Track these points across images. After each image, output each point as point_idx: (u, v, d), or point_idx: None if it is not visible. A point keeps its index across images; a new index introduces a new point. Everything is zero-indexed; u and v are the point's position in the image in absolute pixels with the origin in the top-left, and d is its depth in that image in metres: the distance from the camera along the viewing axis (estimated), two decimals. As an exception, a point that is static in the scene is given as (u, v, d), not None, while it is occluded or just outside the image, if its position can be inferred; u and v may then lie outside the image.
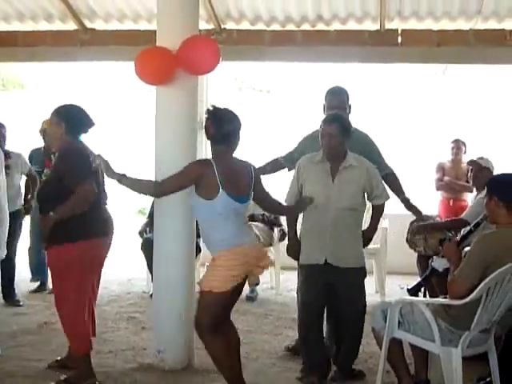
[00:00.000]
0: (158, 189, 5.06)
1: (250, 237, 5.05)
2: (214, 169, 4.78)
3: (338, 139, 5.54)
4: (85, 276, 5.39)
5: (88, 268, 5.39)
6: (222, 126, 4.89)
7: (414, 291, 5.65)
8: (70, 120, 5.50)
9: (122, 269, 10.82)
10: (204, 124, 4.95)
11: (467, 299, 4.53)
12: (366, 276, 5.86)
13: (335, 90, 6.39)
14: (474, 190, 7.54)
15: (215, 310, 4.84)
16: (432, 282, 5.99)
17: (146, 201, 12.83)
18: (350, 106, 6.34)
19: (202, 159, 5.02)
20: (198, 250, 8.25)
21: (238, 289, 4.96)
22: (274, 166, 6.50)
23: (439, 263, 5.33)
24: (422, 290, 6.03)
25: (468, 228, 5.74)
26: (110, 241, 5.58)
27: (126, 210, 17.12)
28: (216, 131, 4.88)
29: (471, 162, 7.50)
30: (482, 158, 7.37)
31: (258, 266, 5.00)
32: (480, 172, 7.21)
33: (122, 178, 4.96)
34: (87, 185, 5.23)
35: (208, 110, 4.98)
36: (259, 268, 5.03)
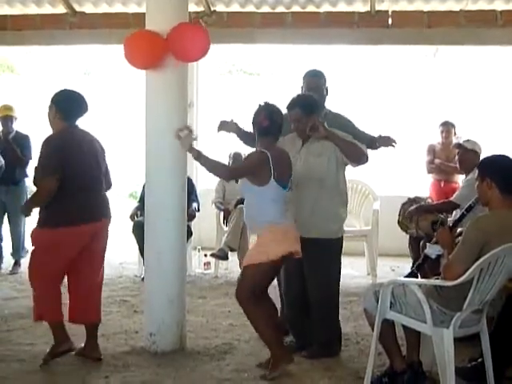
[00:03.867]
0: (229, 173, 5.70)
1: (290, 220, 5.43)
2: (270, 160, 5.20)
3: (303, 121, 5.74)
4: (51, 260, 5.53)
5: (53, 254, 5.51)
6: (276, 120, 5.36)
7: None
8: (61, 104, 5.63)
9: (114, 252, 10.79)
10: (255, 118, 5.40)
11: (459, 280, 4.52)
12: (336, 249, 5.93)
13: (313, 72, 6.55)
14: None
15: (253, 281, 5.29)
16: (425, 267, 5.99)
17: (137, 184, 12.82)
18: (326, 89, 6.48)
19: (261, 151, 5.31)
20: (190, 233, 8.25)
21: (276, 267, 5.40)
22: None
23: (432, 250, 5.32)
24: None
25: (461, 211, 5.74)
26: (85, 228, 5.58)
27: (117, 194, 17.09)
28: (271, 124, 5.33)
29: (457, 146, 7.51)
30: (467, 141, 7.37)
31: (295, 247, 5.35)
32: (466, 155, 7.21)
33: (200, 155, 5.41)
34: (47, 181, 5.43)
35: (261, 105, 5.41)
36: (296, 249, 5.36)
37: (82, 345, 5.78)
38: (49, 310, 5.63)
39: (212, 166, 5.41)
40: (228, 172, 5.73)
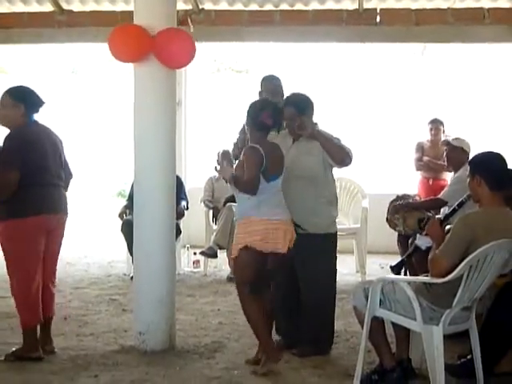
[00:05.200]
0: (251, 189, 5.30)
1: (279, 212, 5.37)
2: (263, 155, 5.25)
3: (296, 119, 5.77)
4: (20, 252, 5.56)
5: (22, 245, 5.55)
6: (279, 121, 5.49)
7: (397, 268, 5.66)
8: (28, 101, 5.66)
9: (103, 251, 10.81)
10: (257, 113, 5.37)
11: (449, 277, 4.54)
12: (327, 244, 5.90)
13: (270, 76, 6.89)
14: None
15: (239, 272, 5.41)
16: (412, 260, 6.00)
17: (125, 183, 12.81)
18: (283, 93, 6.66)
19: (253, 146, 5.34)
20: (179, 231, 8.25)
21: (255, 257, 5.32)
22: None
23: (423, 241, 5.36)
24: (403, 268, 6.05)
25: (452, 207, 5.76)
26: (45, 219, 5.63)
27: (105, 193, 17.09)
28: (274, 124, 5.40)
29: (445, 143, 7.52)
30: (456, 139, 7.38)
31: (285, 240, 5.34)
32: (453, 152, 7.22)
33: (235, 179, 5.40)
34: (10, 173, 5.43)
35: (267, 104, 5.47)
36: (286, 242, 5.36)
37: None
38: (24, 314, 5.64)
39: (241, 185, 5.36)
40: (250, 189, 5.32)
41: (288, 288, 5.89)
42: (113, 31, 5.85)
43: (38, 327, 5.73)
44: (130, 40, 5.79)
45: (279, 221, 5.34)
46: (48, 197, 5.64)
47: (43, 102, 5.75)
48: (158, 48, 5.73)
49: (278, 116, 5.44)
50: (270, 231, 5.28)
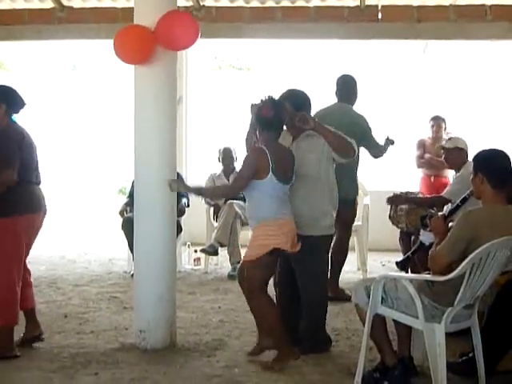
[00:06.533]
0: (234, 187, 5.74)
1: (288, 212, 5.45)
2: (268, 155, 5.27)
3: (293, 116, 5.69)
4: (6, 252, 5.54)
5: (9, 244, 5.53)
6: (280, 113, 5.45)
7: (402, 264, 5.63)
8: (10, 101, 5.64)
9: (103, 249, 10.78)
10: (259, 111, 5.45)
11: (451, 275, 4.52)
12: (325, 245, 5.95)
13: (347, 75, 7.61)
14: (454, 169, 7.55)
15: (259, 273, 5.41)
16: (415, 257, 5.98)
17: (126, 180, 12.80)
18: (355, 93, 7.57)
19: (258, 148, 5.42)
20: (180, 229, 8.22)
21: (273, 260, 5.46)
22: None
23: (427, 237, 5.34)
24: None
25: (455, 203, 5.75)
26: (35, 218, 5.67)
27: (106, 190, 17.07)
28: (275, 116, 5.40)
29: (441, 148, 7.51)
30: (449, 140, 7.38)
31: (291, 241, 5.41)
32: (450, 154, 7.21)
33: (201, 191, 5.79)
34: (9, 173, 5.42)
35: (266, 99, 5.46)
36: (292, 243, 5.42)
37: (22, 335, 5.84)
38: (6, 312, 5.60)
39: (214, 192, 5.78)
40: (230, 188, 5.87)
41: (287, 286, 5.87)
42: (116, 36, 5.77)
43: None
44: (134, 44, 5.75)
45: (290, 220, 5.43)
46: (36, 195, 5.67)
47: (24, 104, 5.73)
48: (160, 37, 5.69)
49: (279, 110, 5.43)
50: (289, 230, 5.38)
